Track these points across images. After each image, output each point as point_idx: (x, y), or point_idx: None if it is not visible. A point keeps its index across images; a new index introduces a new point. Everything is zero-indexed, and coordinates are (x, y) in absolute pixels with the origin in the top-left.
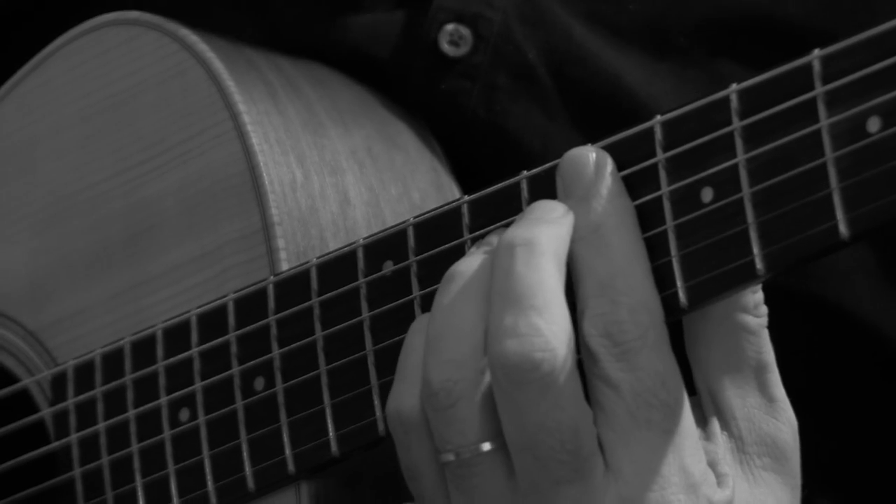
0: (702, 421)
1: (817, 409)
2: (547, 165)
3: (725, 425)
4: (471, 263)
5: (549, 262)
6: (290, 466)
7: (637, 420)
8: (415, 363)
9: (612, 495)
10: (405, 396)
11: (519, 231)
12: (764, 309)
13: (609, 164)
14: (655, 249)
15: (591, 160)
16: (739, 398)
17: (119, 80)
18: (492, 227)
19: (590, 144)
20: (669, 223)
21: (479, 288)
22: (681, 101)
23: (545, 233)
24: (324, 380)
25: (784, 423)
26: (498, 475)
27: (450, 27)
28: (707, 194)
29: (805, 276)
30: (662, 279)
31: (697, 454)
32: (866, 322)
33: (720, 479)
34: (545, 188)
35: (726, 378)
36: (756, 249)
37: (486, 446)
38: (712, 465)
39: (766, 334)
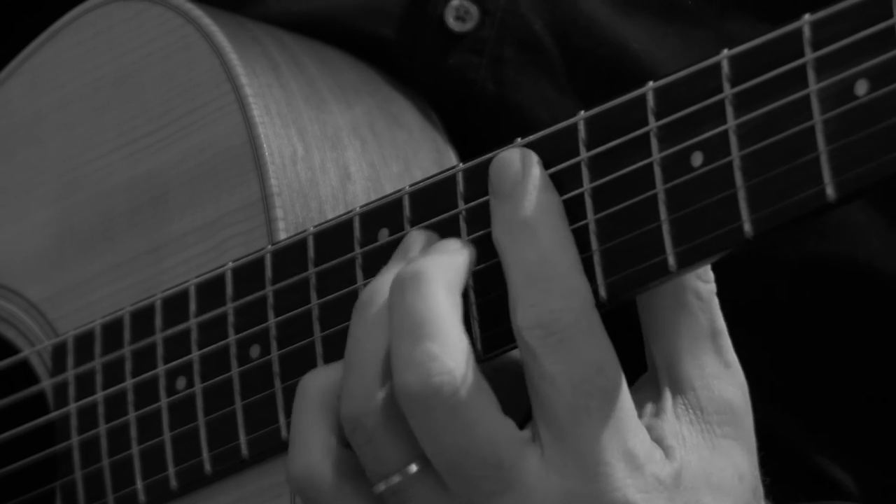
0: (655, 395)
1: (837, 367)
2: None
3: (684, 396)
4: (369, 293)
5: (439, 289)
6: (284, 432)
7: (576, 412)
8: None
9: (555, 492)
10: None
11: (408, 266)
12: (711, 275)
13: (534, 162)
14: (645, 215)
15: (516, 160)
16: (697, 368)
17: (126, 55)
18: (486, 197)
19: (518, 140)
20: (660, 188)
21: (375, 318)
22: (688, 63)
23: (433, 262)
24: (318, 348)
25: (737, 388)
26: (432, 490)
27: (455, 2)
28: (697, 158)
29: (818, 237)
30: (654, 245)
31: (640, 433)
32: (883, 273)
33: (667, 451)
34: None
35: (683, 349)
36: (745, 214)
37: (413, 468)
38: (659, 440)
39: (716, 301)
